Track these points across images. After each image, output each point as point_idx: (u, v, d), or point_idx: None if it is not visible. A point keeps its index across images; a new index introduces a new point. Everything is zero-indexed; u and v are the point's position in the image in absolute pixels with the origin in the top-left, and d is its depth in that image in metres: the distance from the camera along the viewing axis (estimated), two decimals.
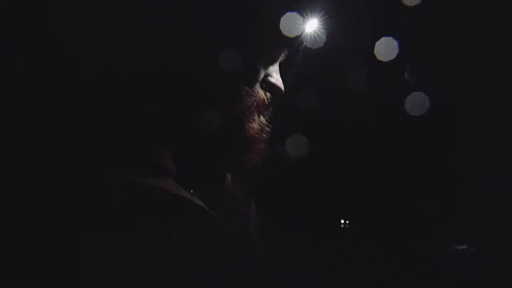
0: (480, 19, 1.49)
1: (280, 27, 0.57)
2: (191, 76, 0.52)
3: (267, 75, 0.59)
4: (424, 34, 1.52)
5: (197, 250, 0.48)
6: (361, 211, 2.05)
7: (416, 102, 1.55)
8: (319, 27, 0.67)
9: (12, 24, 0.49)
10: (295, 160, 1.43)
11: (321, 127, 1.75)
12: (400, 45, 1.40)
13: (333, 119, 1.82)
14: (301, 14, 0.58)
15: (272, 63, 0.60)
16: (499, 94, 1.64)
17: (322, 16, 0.72)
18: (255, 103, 0.56)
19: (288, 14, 0.57)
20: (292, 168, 1.62)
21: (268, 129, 0.59)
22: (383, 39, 1.40)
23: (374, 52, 1.41)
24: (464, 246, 1.74)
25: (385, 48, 1.40)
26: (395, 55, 1.41)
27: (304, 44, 0.66)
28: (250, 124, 0.56)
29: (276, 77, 0.60)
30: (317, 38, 0.67)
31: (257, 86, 0.57)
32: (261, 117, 0.58)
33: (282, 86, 0.61)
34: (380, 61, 1.42)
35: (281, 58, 0.61)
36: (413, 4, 1.28)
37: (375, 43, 1.40)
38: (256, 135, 0.57)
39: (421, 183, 1.88)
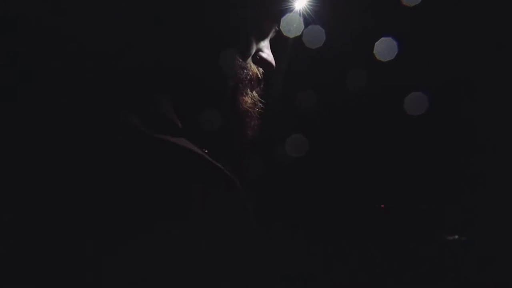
0: (480, 19, 1.50)
1: (271, 1, 0.58)
2: (186, 47, 0.53)
3: (258, 50, 0.59)
4: (423, 34, 1.52)
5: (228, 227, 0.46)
6: (360, 211, 2.05)
7: (415, 102, 1.55)
8: (309, 3, 0.68)
9: (14, 23, 0.50)
10: (295, 160, 1.43)
11: (320, 127, 1.76)
12: (399, 45, 1.41)
13: (333, 119, 1.82)
14: None
15: (263, 38, 0.60)
16: (499, 94, 1.64)
17: (321, 16, 0.73)
18: (248, 77, 0.56)
19: None
20: (292, 168, 1.62)
21: (260, 104, 0.59)
22: (382, 39, 1.40)
23: (374, 52, 1.41)
24: (455, 236, 1.75)
25: (385, 48, 1.40)
26: (395, 55, 1.41)
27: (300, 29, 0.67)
28: (243, 98, 0.56)
29: (267, 52, 0.60)
30: (306, 15, 0.69)
31: (250, 60, 0.58)
32: (254, 92, 0.58)
33: (273, 61, 0.61)
34: (380, 61, 1.42)
35: (271, 33, 0.61)
36: (412, 5, 1.28)
37: (374, 43, 1.40)
38: (249, 109, 0.57)
39: (420, 183, 1.88)
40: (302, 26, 0.70)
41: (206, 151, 0.50)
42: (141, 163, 0.42)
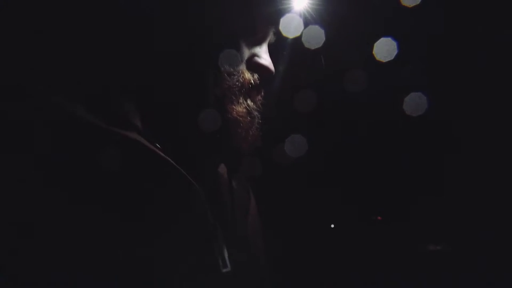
0: (479, 19, 1.50)
1: (265, 3, 0.55)
2: (167, 52, 0.50)
3: (254, 55, 0.56)
4: (423, 34, 1.52)
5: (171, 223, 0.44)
6: (359, 212, 2.05)
7: (414, 102, 1.55)
8: (308, 4, 0.66)
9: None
10: (294, 160, 1.43)
11: (319, 127, 1.76)
12: (399, 46, 1.41)
13: (332, 119, 1.82)
14: None
15: (259, 42, 0.57)
16: (499, 94, 1.64)
17: (321, 15, 0.73)
18: (238, 84, 0.53)
19: None
20: (291, 168, 1.62)
21: (257, 113, 0.56)
22: (382, 39, 1.40)
23: (373, 52, 1.41)
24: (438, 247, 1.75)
25: (384, 49, 1.40)
26: (394, 55, 1.41)
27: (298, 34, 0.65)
28: (233, 106, 0.53)
29: (264, 57, 0.57)
30: (306, 17, 0.66)
31: (243, 66, 0.54)
32: (248, 100, 0.55)
33: (271, 67, 0.57)
34: (379, 61, 1.42)
35: (269, 38, 0.58)
36: (411, 5, 1.28)
37: (374, 43, 1.40)
38: (240, 118, 0.53)
39: (419, 183, 1.88)
40: (302, 26, 0.69)
41: (159, 146, 0.47)
42: (81, 152, 0.41)
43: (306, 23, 0.68)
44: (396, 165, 1.89)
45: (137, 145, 0.44)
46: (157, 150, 0.45)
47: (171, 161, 0.45)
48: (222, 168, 0.62)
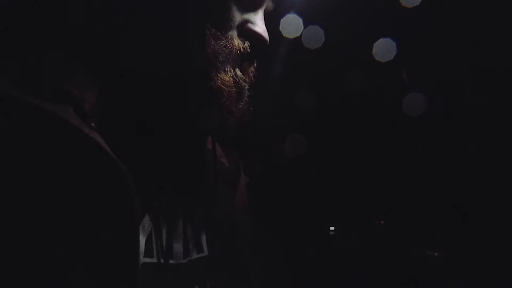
0: (479, 20, 1.50)
1: None
2: (140, 5, 0.45)
3: (247, 21, 0.51)
4: (423, 34, 1.52)
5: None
6: (358, 212, 2.05)
7: (413, 102, 1.56)
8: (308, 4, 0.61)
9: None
10: (291, 160, 1.43)
11: (318, 127, 1.76)
12: (398, 46, 1.41)
13: (331, 119, 1.82)
14: None
15: (254, 7, 0.51)
16: (498, 94, 1.64)
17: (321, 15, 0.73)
18: (225, 50, 0.47)
19: None
20: (288, 168, 1.62)
21: (247, 85, 0.51)
22: (381, 39, 1.40)
23: (373, 53, 1.41)
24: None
25: (384, 49, 1.40)
26: (393, 56, 1.41)
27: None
28: (217, 74, 0.47)
29: (259, 24, 0.52)
30: (306, 16, 0.62)
31: (233, 32, 0.49)
32: (237, 70, 0.50)
33: (266, 35, 0.52)
34: (378, 61, 1.42)
35: (266, 4, 0.53)
36: (411, 6, 1.28)
37: (373, 44, 1.41)
38: (226, 87, 0.48)
39: (419, 183, 1.88)
40: (301, 26, 0.68)
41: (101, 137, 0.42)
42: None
43: (306, 23, 0.66)
44: (396, 166, 1.89)
45: (58, 123, 0.39)
46: (83, 128, 0.40)
47: (97, 140, 0.40)
48: (209, 143, 0.58)
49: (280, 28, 0.57)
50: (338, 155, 1.91)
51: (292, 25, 0.60)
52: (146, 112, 0.47)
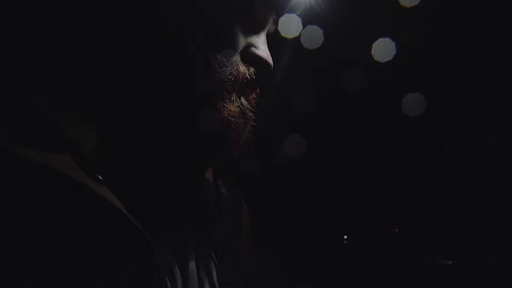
0: (479, 20, 1.50)
1: None
2: (144, 31, 0.42)
3: (250, 45, 0.48)
4: (422, 34, 1.52)
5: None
6: (358, 213, 2.05)
7: (412, 103, 1.56)
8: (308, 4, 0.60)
9: None
10: (290, 162, 1.42)
11: (317, 128, 1.75)
12: (397, 47, 1.41)
13: (331, 119, 1.82)
14: None
15: (256, 30, 0.49)
16: (498, 94, 1.64)
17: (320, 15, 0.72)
18: (231, 78, 0.45)
19: None
20: (287, 170, 1.62)
21: (251, 114, 0.48)
22: (381, 39, 1.40)
23: (372, 53, 1.41)
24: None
25: (383, 49, 1.40)
26: (393, 56, 1.41)
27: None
28: (224, 104, 0.44)
29: (262, 48, 0.49)
30: (311, 4, 0.60)
31: (237, 57, 0.46)
32: (242, 98, 0.47)
33: (270, 60, 0.49)
34: (378, 61, 1.42)
35: (268, 26, 0.51)
36: (410, 6, 1.28)
37: (372, 44, 1.41)
38: (233, 119, 0.45)
39: (418, 184, 1.88)
40: (301, 26, 0.67)
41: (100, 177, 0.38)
42: None
43: (305, 23, 0.66)
44: (396, 167, 1.89)
45: (63, 180, 0.35)
46: (90, 184, 0.36)
47: (109, 199, 0.37)
48: (209, 174, 0.55)
49: (278, 28, 0.55)
50: (352, 162, 1.91)
51: (291, 25, 0.59)
52: (152, 153, 0.44)
